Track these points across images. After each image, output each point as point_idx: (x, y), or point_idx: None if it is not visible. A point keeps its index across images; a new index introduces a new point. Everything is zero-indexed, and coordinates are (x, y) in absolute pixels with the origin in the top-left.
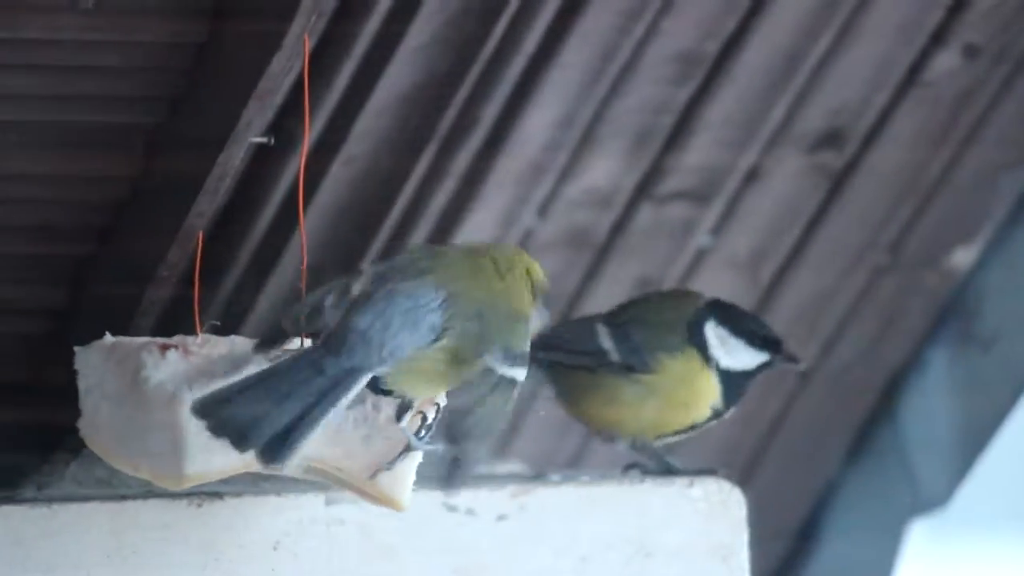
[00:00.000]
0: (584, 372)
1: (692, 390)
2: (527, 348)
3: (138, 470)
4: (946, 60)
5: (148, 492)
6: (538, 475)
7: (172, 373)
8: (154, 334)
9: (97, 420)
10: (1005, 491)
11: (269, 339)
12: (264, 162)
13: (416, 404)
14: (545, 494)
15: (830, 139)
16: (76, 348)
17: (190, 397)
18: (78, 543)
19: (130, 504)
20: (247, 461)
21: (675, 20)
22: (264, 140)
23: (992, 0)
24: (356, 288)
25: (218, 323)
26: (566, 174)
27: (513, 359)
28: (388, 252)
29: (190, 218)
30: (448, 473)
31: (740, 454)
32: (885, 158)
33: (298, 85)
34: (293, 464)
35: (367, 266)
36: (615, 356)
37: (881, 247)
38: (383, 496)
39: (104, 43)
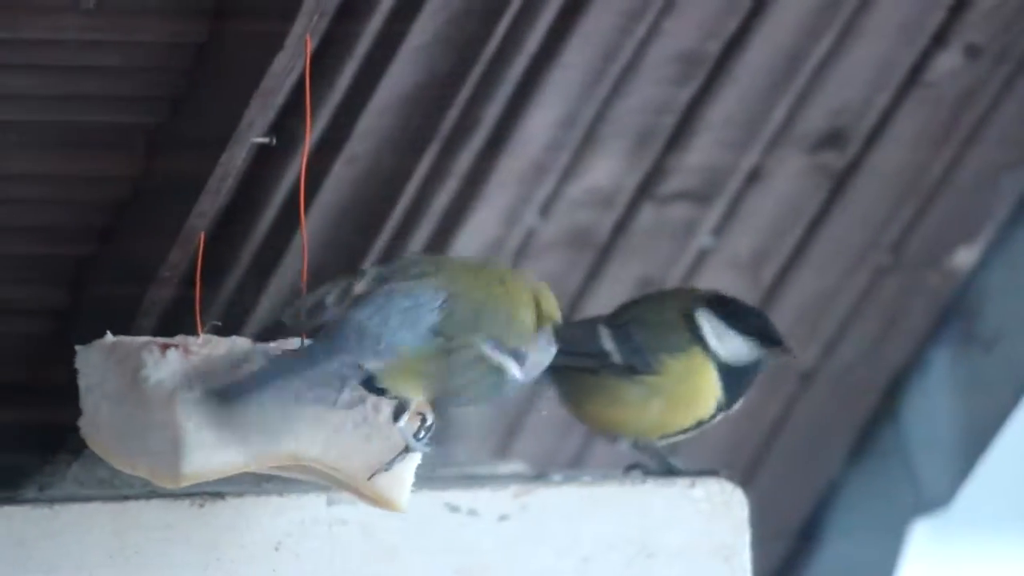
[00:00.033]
0: (587, 374)
1: (695, 388)
2: (524, 349)
3: (136, 469)
4: (948, 60)
5: (150, 492)
6: (540, 475)
7: (171, 372)
8: (155, 334)
9: (97, 419)
10: (1007, 491)
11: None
12: (266, 162)
13: (413, 405)
14: (547, 494)
15: (832, 139)
16: (77, 347)
17: (189, 396)
18: (80, 543)
19: (132, 504)
20: (246, 461)
21: (677, 20)
22: (266, 140)
23: (993, 0)
24: (358, 288)
25: (219, 323)
26: (568, 174)
27: (505, 352)
28: (390, 252)
29: (191, 218)
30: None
31: (742, 454)
32: (887, 158)
33: (300, 85)
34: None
35: (369, 267)
36: (617, 358)
37: (883, 247)
38: (381, 497)
39: (105, 43)
